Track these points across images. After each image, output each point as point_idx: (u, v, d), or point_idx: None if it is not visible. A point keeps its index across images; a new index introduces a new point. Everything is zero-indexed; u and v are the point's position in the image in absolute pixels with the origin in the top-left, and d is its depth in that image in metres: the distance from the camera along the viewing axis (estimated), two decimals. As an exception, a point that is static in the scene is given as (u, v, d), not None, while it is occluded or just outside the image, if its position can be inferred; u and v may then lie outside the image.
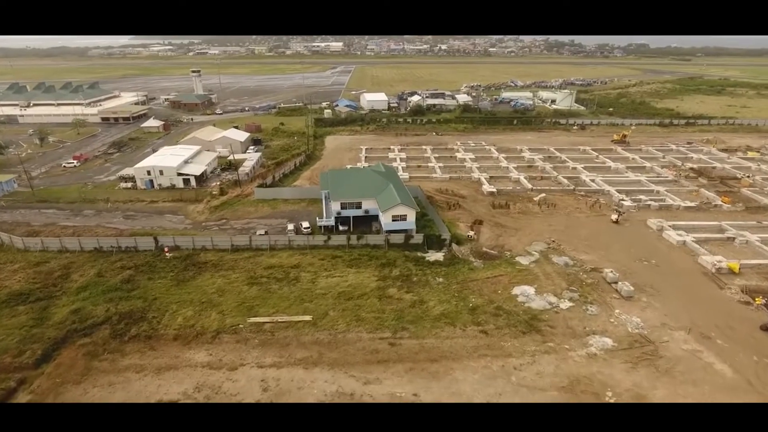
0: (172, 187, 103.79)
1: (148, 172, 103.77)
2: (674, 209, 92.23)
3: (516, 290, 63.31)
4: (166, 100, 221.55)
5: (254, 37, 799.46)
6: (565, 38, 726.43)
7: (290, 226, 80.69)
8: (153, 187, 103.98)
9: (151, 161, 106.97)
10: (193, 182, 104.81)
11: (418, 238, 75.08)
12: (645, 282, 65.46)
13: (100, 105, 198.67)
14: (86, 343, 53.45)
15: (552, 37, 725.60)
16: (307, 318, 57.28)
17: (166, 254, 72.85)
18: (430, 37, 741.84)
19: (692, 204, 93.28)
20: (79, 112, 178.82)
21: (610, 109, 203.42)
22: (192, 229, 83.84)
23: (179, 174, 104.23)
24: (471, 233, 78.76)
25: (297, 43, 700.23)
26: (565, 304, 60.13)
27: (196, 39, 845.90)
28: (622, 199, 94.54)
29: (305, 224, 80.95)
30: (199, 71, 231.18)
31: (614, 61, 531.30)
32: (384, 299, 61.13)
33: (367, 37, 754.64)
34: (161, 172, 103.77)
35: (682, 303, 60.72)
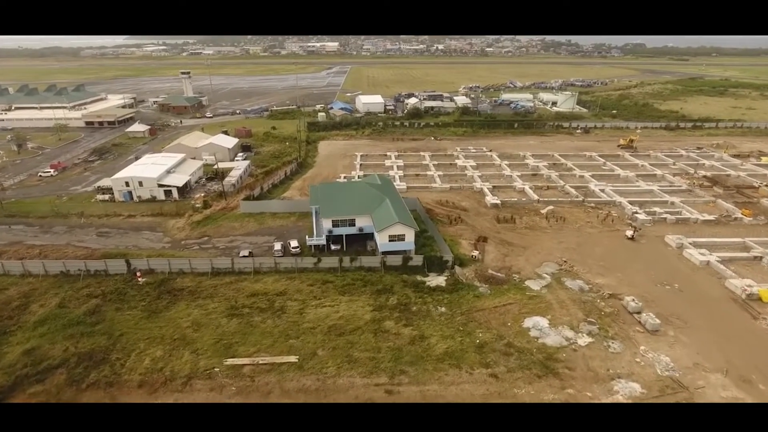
0: (153, 200, 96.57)
1: (127, 184, 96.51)
2: (692, 223, 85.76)
3: (527, 322, 56.60)
4: (155, 102, 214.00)
5: (249, 37, 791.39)
6: (561, 38, 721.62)
7: (277, 246, 73.57)
8: (132, 199, 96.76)
9: (130, 171, 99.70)
10: (175, 194, 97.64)
11: (417, 260, 68.27)
12: (670, 311, 58.85)
13: (85, 108, 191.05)
14: (38, 392, 46.51)
15: (549, 37, 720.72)
16: (293, 359, 50.39)
17: (139, 279, 65.79)
18: (426, 36, 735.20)
19: (711, 217, 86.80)
20: (63, 116, 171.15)
21: (614, 111, 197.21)
22: (170, 248, 76.71)
23: (160, 185, 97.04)
24: (475, 253, 71.98)
25: (292, 43, 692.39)
26: (583, 340, 53.45)
27: (190, 39, 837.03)
28: (636, 212, 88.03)
29: (294, 243, 73.95)
30: (188, 72, 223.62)
31: (612, 60, 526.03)
32: (380, 334, 54.28)
33: (363, 37, 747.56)
34: (141, 183, 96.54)
35: (713, 337, 54.15)
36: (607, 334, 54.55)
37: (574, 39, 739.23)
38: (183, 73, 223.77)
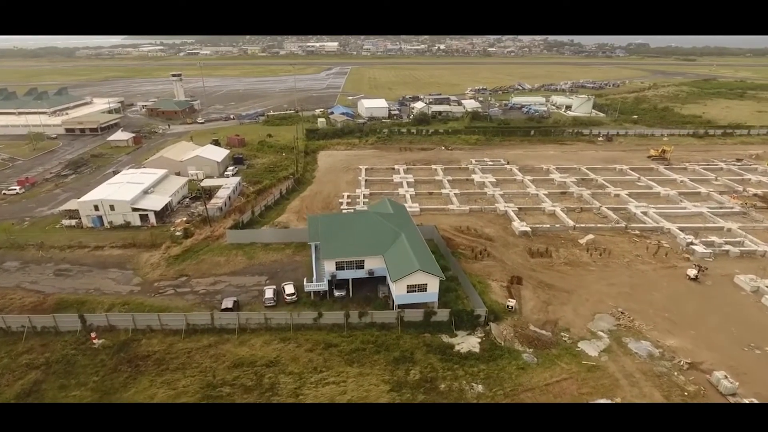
0: (127, 225, 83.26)
1: (96, 207, 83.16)
2: (759, 257, 72.76)
3: (592, 409, 43.43)
4: (143, 106, 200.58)
5: (247, 37, 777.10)
6: (564, 38, 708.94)
7: (269, 293, 60.12)
8: (102, 224, 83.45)
9: (101, 193, 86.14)
10: (152, 218, 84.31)
11: (442, 315, 54.99)
12: (771, 390, 45.87)
13: (67, 114, 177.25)
14: None
15: (551, 37, 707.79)
16: (285, 475, 37.19)
17: (94, 341, 52.57)
18: (427, 36, 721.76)
19: (781, 249, 73.78)
20: (41, 123, 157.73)
21: (634, 116, 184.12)
22: (139, 293, 63.44)
23: (135, 209, 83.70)
24: (511, 302, 58.74)
25: (291, 43, 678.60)
26: (671, 440, 40.32)
27: (188, 39, 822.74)
28: (691, 243, 74.98)
29: (289, 289, 60.57)
30: (180, 75, 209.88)
31: (617, 61, 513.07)
32: (401, 431, 41.16)
33: (363, 36, 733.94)
34: (112, 207, 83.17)
35: (841, 433, 41.06)
36: (701, 429, 41.44)
37: (577, 39, 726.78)
38: (174, 75, 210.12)
